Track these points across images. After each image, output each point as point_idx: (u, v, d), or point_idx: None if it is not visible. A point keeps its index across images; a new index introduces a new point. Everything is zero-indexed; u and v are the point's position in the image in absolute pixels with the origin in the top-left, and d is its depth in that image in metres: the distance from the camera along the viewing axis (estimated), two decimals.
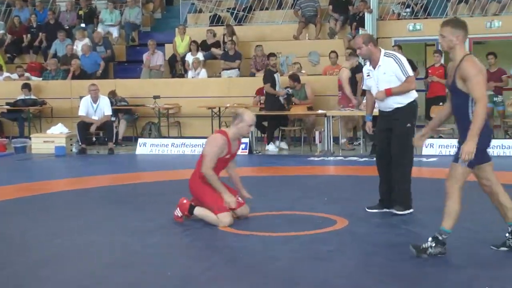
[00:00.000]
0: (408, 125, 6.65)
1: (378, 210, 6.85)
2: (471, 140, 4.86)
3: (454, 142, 11.85)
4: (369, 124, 7.15)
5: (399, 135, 6.65)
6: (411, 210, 6.74)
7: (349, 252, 5.45)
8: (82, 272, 5.01)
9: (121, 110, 14.67)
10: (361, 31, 15.25)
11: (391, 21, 16.71)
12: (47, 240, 6.01)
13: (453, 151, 11.59)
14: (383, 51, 6.78)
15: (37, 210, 7.47)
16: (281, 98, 13.40)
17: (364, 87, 7.23)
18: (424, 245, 5.10)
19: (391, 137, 6.72)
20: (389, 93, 6.64)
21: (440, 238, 5.09)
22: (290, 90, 13.54)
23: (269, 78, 13.26)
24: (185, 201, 6.59)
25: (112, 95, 14.46)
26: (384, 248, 5.51)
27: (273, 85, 13.26)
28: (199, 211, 6.51)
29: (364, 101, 12.46)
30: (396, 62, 6.65)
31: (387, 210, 6.81)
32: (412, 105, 6.74)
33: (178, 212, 6.58)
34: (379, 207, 6.89)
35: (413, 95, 6.75)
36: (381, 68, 6.70)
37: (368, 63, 6.91)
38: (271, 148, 12.88)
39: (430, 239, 5.11)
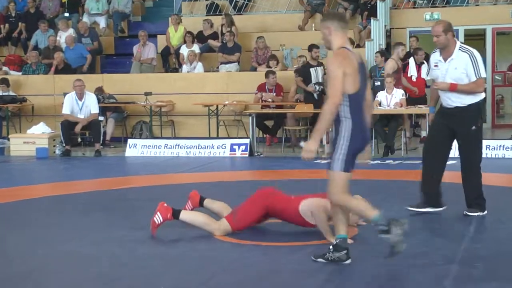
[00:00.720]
0: (473, 127, 6.88)
1: (420, 210, 7.11)
2: (313, 139, 5.30)
3: None
4: (432, 116, 7.36)
5: (466, 140, 6.96)
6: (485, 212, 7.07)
7: (358, 264, 5.47)
8: (66, 286, 5.04)
9: (109, 108, 14.69)
10: (373, 21, 15.29)
11: (406, 10, 16.74)
12: (28, 251, 6.03)
13: None
14: (458, 43, 6.86)
15: (16, 218, 7.48)
16: (315, 95, 13.42)
17: (428, 77, 7.41)
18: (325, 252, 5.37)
19: (458, 142, 7.05)
20: (453, 88, 6.79)
21: (336, 243, 5.40)
22: (318, 87, 13.54)
23: (301, 71, 13.23)
24: (165, 204, 6.53)
25: (99, 91, 14.49)
26: (397, 259, 5.52)
27: (307, 80, 13.25)
28: (187, 215, 6.48)
29: (377, 98, 12.55)
30: (471, 60, 6.75)
31: (431, 210, 7.10)
32: (477, 106, 6.92)
33: (158, 218, 6.42)
34: (422, 206, 7.14)
35: (479, 95, 6.93)
36: (454, 62, 6.81)
37: (438, 52, 6.95)
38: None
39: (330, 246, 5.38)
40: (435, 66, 6.97)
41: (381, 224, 5.27)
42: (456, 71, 6.78)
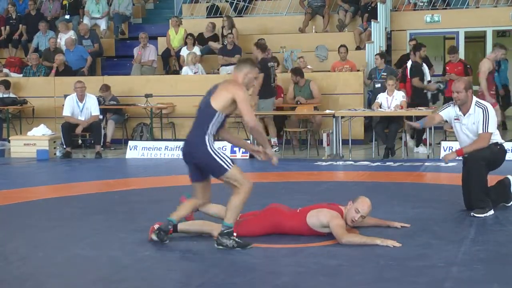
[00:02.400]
0: (482, 162, 7.13)
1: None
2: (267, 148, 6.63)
3: None
4: (417, 125, 8.07)
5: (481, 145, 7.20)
6: None
7: (359, 266, 5.46)
8: None
9: (109, 110, 14.67)
10: (373, 24, 15.29)
11: (407, 12, 16.75)
12: (28, 254, 6.03)
13: None
14: (474, 99, 7.26)
15: (17, 220, 7.48)
16: (429, 93, 13.40)
17: (441, 113, 7.58)
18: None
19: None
20: (460, 153, 7.27)
21: (224, 231, 5.90)
22: (441, 85, 13.54)
23: (416, 71, 13.21)
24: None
25: (105, 89, 14.52)
26: (398, 261, 5.52)
27: (422, 79, 13.25)
28: (183, 225, 6.41)
29: (378, 100, 12.53)
30: (483, 114, 7.13)
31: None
32: (494, 147, 7.26)
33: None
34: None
35: (495, 140, 7.29)
36: (472, 117, 7.21)
37: (457, 107, 7.30)
38: (421, 150, 12.72)
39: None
40: (456, 119, 7.33)
41: (226, 230, 5.91)
42: (474, 126, 7.19)
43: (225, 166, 6.06)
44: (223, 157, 6.11)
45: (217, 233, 6.01)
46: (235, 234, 5.97)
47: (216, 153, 6.10)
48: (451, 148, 11.77)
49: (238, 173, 6.08)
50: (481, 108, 7.18)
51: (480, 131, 7.13)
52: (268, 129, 13.30)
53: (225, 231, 5.93)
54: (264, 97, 13.15)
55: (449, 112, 7.44)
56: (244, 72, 6.26)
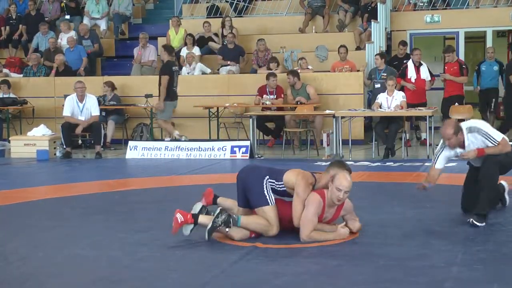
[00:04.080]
0: (496, 167, 6.90)
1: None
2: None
3: None
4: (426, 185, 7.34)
5: (492, 158, 6.91)
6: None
7: (359, 266, 5.46)
8: None
9: (109, 110, 14.65)
10: (373, 24, 15.29)
11: (407, 12, 16.76)
12: (28, 254, 6.02)
13: None
14: (464, 129, 6.93)
15: (17, 220, 7.48)
16: None
17: (436, 166, 7.22)
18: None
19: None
20: (481, 153, 6.91)
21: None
22: None
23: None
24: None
25: (109, 85, 14.56)
26: (399, 261, 5.52)
27: None
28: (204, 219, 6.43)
29: (378, 100, 12.54)
30: (482, 135, 6.89)
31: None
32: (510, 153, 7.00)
33: (180, 217, 6.26)
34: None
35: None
36: (473, 145, 6.93)
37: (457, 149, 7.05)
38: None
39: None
40: (457, 157, 7.16)
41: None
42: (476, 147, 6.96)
43: (268, 200, 6.27)
44: (270, 194, 6.31)
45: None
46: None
47: (267, 188, 6.31)
48: None
49: (274, 215, 6.26)
50: (474, 132, 6.91)
51: (490, 145, 6.90)
52: (166, 130, 13.72)
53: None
54: (167, 100, 13.32)
55: (446, 156, 7.14)
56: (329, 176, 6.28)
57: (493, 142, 6.85)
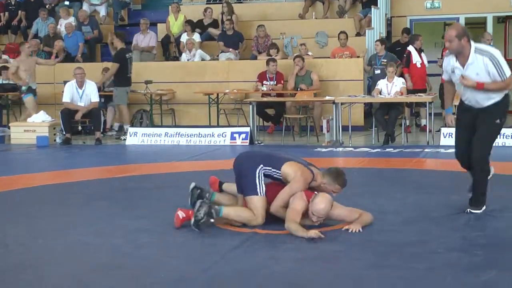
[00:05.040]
0: (497, 121, 6.52)
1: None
2: None
3: None
4: (451, 117, 6.85)
5: (485, 134, 6.53)
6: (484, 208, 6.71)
7: (358, 252, 5.47)
8: (66, 276, 5.04)
9: (108, 97, 14.64)
10: (373, 10, 15.25)
11: None
12: (28, 241, 6.03)
13: None
14: (473, 46, 6.34)
15: (17, 207, 7.48)
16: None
17: (444, 77, 6.87)
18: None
19: (474, 136, 6.54)
20: (480, 87, 6.35)
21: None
22: None
23: None
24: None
25: (106, 72, 14.60)
26: (398, 247, 5.53)
27: None
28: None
29: (378, 87, 12.54)
30: (493, 62, 6.29)
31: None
32: (505, 99, 6.53)
33: (181, 213, 6.28)
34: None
35: (503, 93, 6.53)
36: (473, 67, 6.35)
37: (453, 57, 6.50)
38: None
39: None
40: (453, 72, 6.55)
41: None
42: (478, 77, 6.34)
43: (258, 190, 6.23)
44: (262, 184, 6.27)
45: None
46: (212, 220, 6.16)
47: (260, 177, 6.28)
48: (451, 134, 11.77)
49: (261, 206, 6.23)
50: (484, 55, 6.29)
51: (499, 80, 6.32)
52: (122, 116, 14.03)
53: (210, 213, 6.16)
54: (119, 86, 13.78)
55: (445, 66, 6.66)
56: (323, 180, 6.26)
57: (501, 75, 6.29)
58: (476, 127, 6.56)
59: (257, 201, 6.22)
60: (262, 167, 6.30)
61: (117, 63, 13.67)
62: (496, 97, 6.47)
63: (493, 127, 6.57)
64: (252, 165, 6.35)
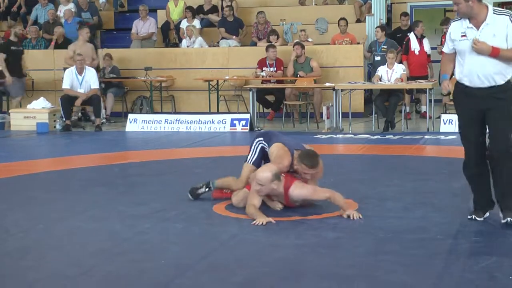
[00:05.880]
0: None
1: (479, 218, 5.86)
2: None
3: None
4: (447, 82, 5.93)
5: (507, 127, 5.64)
6: None
7: (358, 239, 5.47)
8: (67, 261, 5.04)
9: (108, 83, 14.62)
10: None
11: None
12: (29, 226, 6.04)
13: None
14: (491, 7, 5.60)
15: (17, 193, 7.49)
16: None
17: (444, 49, 5.96)
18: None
19: (490, 126, 5.68)
20: (495, 53, 5.50)
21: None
22: None
23: None
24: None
25: (109, 58, 14.55)
26: (398, 234, 5.53)
27: None
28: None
29: (378, 73, 12.51)
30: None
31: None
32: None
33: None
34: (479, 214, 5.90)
35: (511, 72, 5.66)
36: (490, 28, 5.54)
37: (464, 20, 5.66)
38: None
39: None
40: (463, 36, 5.63)
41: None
42: (495, 39, 5.51)
43: (249, 158, 6.64)
44: (255, 154, 6.63)
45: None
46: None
47: (256, 148, 6.64)
48: (451, 121, 11.77)
49: (245, 172, 6.58)
50: (505, 15, 5.54)
51: None
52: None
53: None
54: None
55: (456, 30, 5.73)
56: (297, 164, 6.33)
57: None
58: (488, 120, 5.68)
59: (244, 167, 6.61)
60: (260, 140, 6.62)
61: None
62: (507, 75, 5.64)
63: (510, 115, 5.67)
64: (255, 138, 6.76)
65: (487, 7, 5.60)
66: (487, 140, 5.79)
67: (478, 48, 5.55)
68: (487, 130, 5.77)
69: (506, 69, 5.62)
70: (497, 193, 5.80)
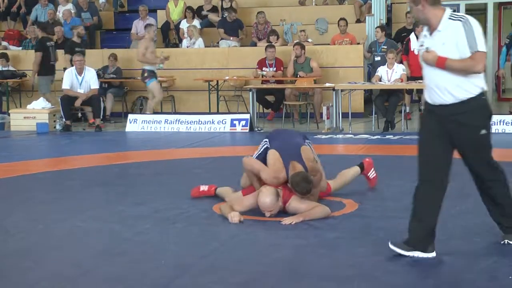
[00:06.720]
0: (483, 131, 4.92)
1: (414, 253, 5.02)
2: None
3: None
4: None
5: (480, 156, 5.05)
6: None
7: (358, 239, 5.47)
8: (67, 262, 5.04)
9: (110, 83, 14.62)
10: None
11: None
12: (29, 227, 6.03)
13: None
14: (447, 12, 4.95)
15: (17, 193, 7.49)
16: None
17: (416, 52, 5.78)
18: None
19: (463, 152, 5.06)
20: (441, 63, 4.82)
21: None
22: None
23: None
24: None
25: (113, 59, 14.56)
26: (398, 234, 5.51)
27: None
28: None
29: (378, 73, 12.52)
30: (465, 28, 4.80)
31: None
32: (480, 100, 4.89)
33: (203, 187, 6.92)
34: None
35: (478, 85, 4.87)
36: (441, 35, 4.88)
37: (426, 27, 5.05)
38: None
39: None
40: (421, 45, 5.06)
41: None
42: (444, 48, 4.83)
43: (254, 156, 6.68)
44: (258, 151, 6.72)
45: None
46: None
47: (261, 147, 6.72)
48: None
49: (246, 165, 6.55)
50: (459, 20, 4.84)
51: (467, 53, 4.78)
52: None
53: None
54: (43, 75, 13.89)
55: (417, 42, 5.40)
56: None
57: (471, 46, 4.77)
58: (455, 146, 5.00)
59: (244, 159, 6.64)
60: (265, 141, 6.68)
61: (39, 52, 13.89)
62: (470, 89, 4.85)
63: (482, 142, 4.99)
64: (263, 138, 6.85)
65: (443, 11, 4.95)
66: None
67: (424, 58, 4.95)
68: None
69: (466, 82, 4.84)
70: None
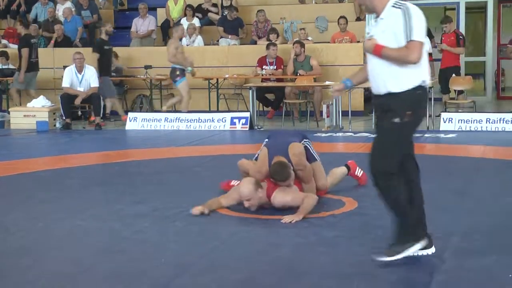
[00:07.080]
0: (396, 119, 4.64)
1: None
2: None
3: (475, 116, 11.88)
4: (338, 87, 5.24)
5: (378, 140, 4.79)
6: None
7: (358, 237, 5.47)
8: (67, 260, 5.04)
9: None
10: None
11: None
12: (28, 225, 6.03)
13: (473, 126, 11.60)
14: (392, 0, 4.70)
15: (16, 192, 7.48)
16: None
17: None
18: None
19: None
20: (377, 51, 4.65)
21: None
22: None
23: None
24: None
25: (114, 56, 14.59)
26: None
27: None
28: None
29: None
30: (404, 16, 4.57)
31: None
32: (412, 95, 4.67)
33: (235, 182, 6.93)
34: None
35: (414, 79, 4.67)
36: (382, 23, 4.70)
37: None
38: None
39: None
40: (367, 33, 4.93)
41: None
42: (384, 35, 4.64)
43: (255, 156, 6.80)
44: (258, 153, 6.79)
45: None
46: None
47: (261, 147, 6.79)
48: (451, 119, 11.78)
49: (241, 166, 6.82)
50: (399, 8, 4.61)
51: (402, 42, 4.58)
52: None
53: None
54: (28, 71, 14.14)
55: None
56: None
57: (406, 37, 4.56)
58: None
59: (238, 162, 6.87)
60: (266, 141, 6.73)
61: (25, 48, 14.07)
62: (404, 82, 4.65)
63: (388, 129, 4.72)
64: (266, 136, 6.92)
65: None
66: None
67: (365, 46, 4.81)
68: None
69: (403, 74, 4.64)
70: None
